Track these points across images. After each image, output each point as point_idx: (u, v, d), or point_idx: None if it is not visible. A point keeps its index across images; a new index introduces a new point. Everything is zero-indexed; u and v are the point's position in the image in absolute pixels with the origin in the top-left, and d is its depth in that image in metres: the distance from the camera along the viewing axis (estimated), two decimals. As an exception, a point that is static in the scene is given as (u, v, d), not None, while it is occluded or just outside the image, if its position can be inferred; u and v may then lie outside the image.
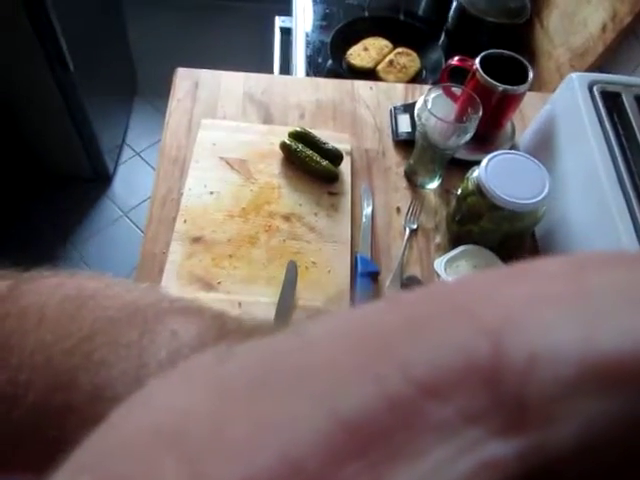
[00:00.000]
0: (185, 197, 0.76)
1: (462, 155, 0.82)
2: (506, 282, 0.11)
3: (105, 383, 0.20)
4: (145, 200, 1.74)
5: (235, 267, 0.70)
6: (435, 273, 0.71)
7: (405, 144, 0.86)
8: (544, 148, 0.78)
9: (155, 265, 0.71)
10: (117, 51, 1.84)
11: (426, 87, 0.91)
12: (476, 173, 0.69)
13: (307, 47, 1.16)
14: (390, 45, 1.15)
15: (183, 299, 0.26)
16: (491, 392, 0.09)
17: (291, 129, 0.82)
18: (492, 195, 0.66)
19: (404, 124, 0.88)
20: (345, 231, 0.75)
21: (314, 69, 1.12)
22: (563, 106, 0.75)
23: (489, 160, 0.68)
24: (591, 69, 0.98)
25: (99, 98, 1.63)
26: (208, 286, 0.68)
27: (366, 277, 0.71)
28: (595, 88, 0.70)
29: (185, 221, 0.74)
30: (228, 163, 0.80)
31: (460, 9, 1.17)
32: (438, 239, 0.78)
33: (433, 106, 0.72)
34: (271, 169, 0.80)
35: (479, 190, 0.68)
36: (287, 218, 0.76)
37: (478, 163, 0.69)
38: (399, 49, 1.14)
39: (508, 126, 0.88)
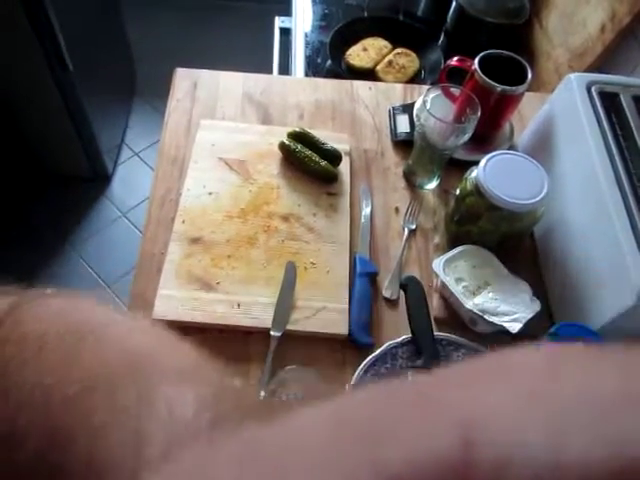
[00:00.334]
0: (184, 197, 0.76)
1: (461, 155, 0.82)
2: (481, 379, 0.11)
3: (101, 458, 0.19)
4: (144, 200, 1.74)
5: (234, 267, 0.70)
6: (434, 273, 0.71)
7: (404, 144, 0.86)
8: (542, 148, 0.78)
9: (153, 265, 0.71)
10: (116, 51, 1.84)
11: (425, 87, 0.91)
12: (475, 173, 0.69)
13: (306, 47, 1.16)
14: (389, 45, 1.15)
15: (182, 347, 0.25)
16: None
17: (290, 129, 0.82)
18: (491, 195, 0.66)
19: (403, 124, 0.88)
20: (344, 231, 0.75)
21: (313, 69, 1.12)
22: (561, 106, 0.75)
23: (488, 160, 0.68)
24: (590, 69, 0.98)
25: (98, 98, 1.63)
26: (207, 286, 0.68)
27: (365, 277, 0.71)
28: (593, 88, 0.71)
29: (184, 221, 0.74)
30: (227, 163, 0.80)
31: (459, 9, 1.17)
32: (437, 239, 0.78)
33: (432, 106, 0.72)
34: (270, 169, 0.80)
35: (478, 190, 0.68)
36: (286, 218, 0.76)
37: (477, 163, 0.69)
38: (398, 49, 1.14)
39: (507, 126, 0.88)
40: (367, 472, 0.09)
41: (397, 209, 0.80)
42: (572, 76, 0.73)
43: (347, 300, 0.69)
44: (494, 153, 0.69)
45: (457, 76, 0.84)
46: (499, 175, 0.67)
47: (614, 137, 0.66)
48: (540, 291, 0.71)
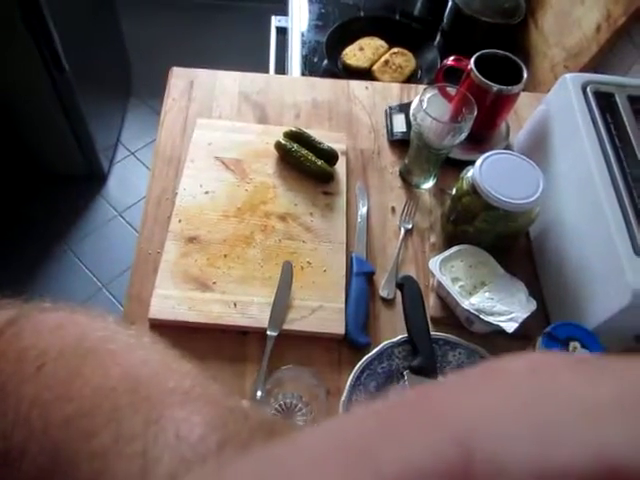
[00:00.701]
0: (180, 197, 0.76)
1: (457, 155, 0.82)
2: (476, 386, 0.12)
3: None
4: (140, 200, 1.73)
5: (230, 267, 0.70)
6: (430, 273, 0.71)
7: (400, 144, 0.86)
8: (538, 148, 0.78)
9: (149, 265, 0.71)
10: (112, 50, 1.83)
11: (421, 87, 0.91)
12: (471, 173, 0.69)
13: (303, 47, 1.16)
14: (385, 45, 1.15)
15: (185, 366, 0.24)
16: None
17: (286, 129, 0.82)
18: (487, 195, 0.66)
19: (399, 124, 0.88)
20: (340, 231, 0.75)
21: (310, 69, 1.12)
22: (557, 106, 0.75)
23: (484, 160, 0.68)
24: (585, 69, 0.98)
25: (94, 97, 1.62)
26: (203, 286, 0.68)
27: (361, 277, 0.71)
28: (589, 88, 0.71)
29: (180, 221, 0.74)
30: (223, 163, 0.80)
31: (455, 9, 1.18)
32: (433, 239, 0.78)
33: (428, 106, 0.72)
34: (266, 169, 0.80)
35: (474, 190, 0.68)
36: (282, 218, 0.76)
37: (473, 163, 0.69)
38: (395, 49, 1.14)
39: (502, 126, 0.88)
40: None
41: (393, 209, 0.80)
42: (567, 76, 0.73)
43: (343, 300, 0.69)
44: (490, 153, 0.69)
45: (453, 76, 0.84)
46: (495, 175, 0.67)
47: (609, 137, 0.66)
48: (536, 291, 0.71)
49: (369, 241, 0.76)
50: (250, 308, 0.67)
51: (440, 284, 0.68)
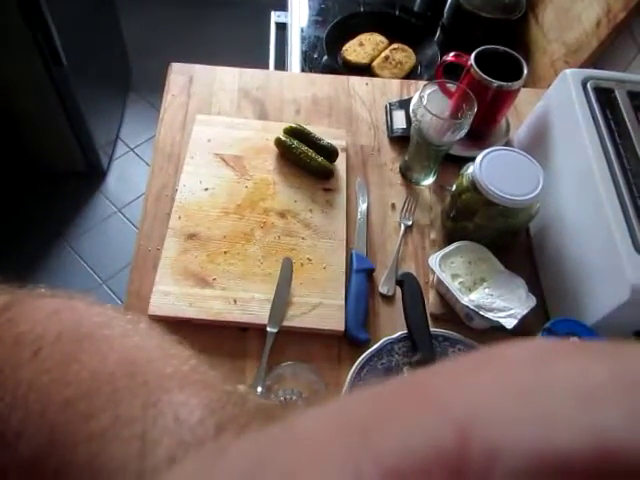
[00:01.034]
0: (180, 193, 0.76)
1: (457, 151, 0.82)
2: (474, 371, 0.12)
3: (104, 463, 0.19)
4: (139, 196, 1.73)
5: (230, 264, 0.70)
6: (430, 269, 0.71)
7: (400, 140, 0.86)
8: (538, 144, 0.78)
9: (149, 261, 0.71)
10: (111, 46, 1.83)
11: (421, 83, 0.90)
12: (471, 169, 0.69)
13: (302, 42, 1.16)
14: (385, 41, 1.15)
15: (182, 351, 0.24)
16: None
17: (286, 125, 0.82)
18: (487, 191, 0.66)
19: (399, 120, 0.88)
20: (340, 227, 0.75)
21: (309, 64, 1.12)
22: (557, 102, 0.75)
23: (484, 156, 0.68)
24: (585, 65, 0.98)
25: (93, 93, 1.62)
26: (203, 282, 0.68)
27: (361, 273, 0.71)
28: (589, 84, 0.71)
29: (180, 217, 0.74)
30: (223, 159, 0.80)
31: (455, 5, 1.17)
32: (433, 235, 0.78)
33: (428, 102, 0.72)
34: (266, 165, 0.80)
35: (474, 186, 0.68)
36: (282, 214, 0.76)
37: (473, 159, 0.69)
38: (395, 45, 1.14)
39: (503, 122, 0.88)
40: (369, 465, 0.10)
41: (393, 205, 0.80)
42: (568, 72, 0.73)
43: (343, 296, 0.69)
44: (490, 149, 0.69)
45: (453, 72, 0.84)
46: (495, 171, 0.67)
47: (609, 133, 0.66)
48: (535, 287, 0.71)
49: (369, 238, 0.76)
50: (250, 304, 0.67)
51: (440, 280, 0.68)
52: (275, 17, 1.33)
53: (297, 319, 0.67)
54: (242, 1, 2.22)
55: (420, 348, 0.63)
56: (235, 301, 0.67)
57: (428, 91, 0.74)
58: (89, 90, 1.57)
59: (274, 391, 0.61)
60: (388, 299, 0.71)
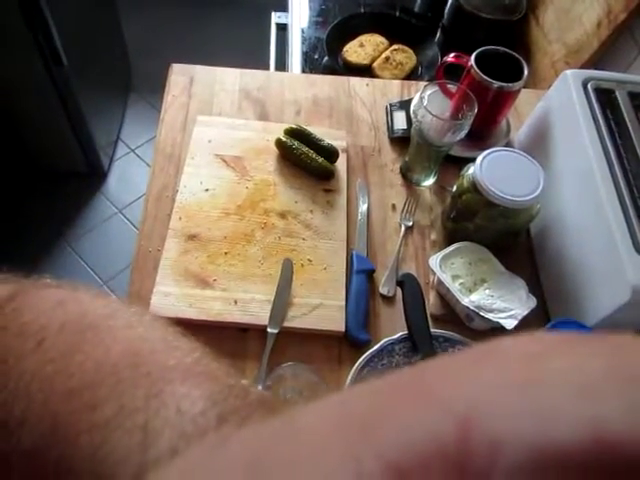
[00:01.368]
0: (180, 194, 0.76)
1: (457, 152, 0.82)
2: (473, 366, 0.12)
3: (106, 453, 0.19)
4: (140, 197, 1.73)
5: (231, 264, 0.70)
6: (430, 270, 0.71)
7: (401, 141, 0.86)
8: (539, 145, 0.78)
9: (150, 262, 0.71)
10: (112, 46, 1.83)
11: (422, 84, 0.90)
12: (471, 170, 0.69)
13: (303, 43, 1.16)
14: (386, 41, 1.15)
15: (186, 343, 0.24)
16: (458, 476, 0.09)
17: (287, 126, 0.82)
18: (487, 192, 0.66)
19: (400, 121, 0.88)
20: (341, 228, 0.75)
21: (310, 65, 1.12)
22: (558, 103, 0.75)
23: (484, 157, 0.68)
24: (586, 66, 0.98)
25: (93, 94, 1.62)
26: (204, 283, 0.68)
27: (362, 274, 0.71)
28: (589, 85, 0.71)
29: (180, 218, 0.74)
30: (224, 160, 0.80)
31: (456, 6, 1.17)
32: (433, 236, 0.78)
33: (429, 103, 0.72)
34: (267, 166, 0.80)
35: (474, 187, 0.68)
36: (283, 215, 0.76)
37: (473, 160, 0.69)
38: (395, 46, 1.14)
39: (503, 123, 0.88)
40: (370, 459, 0.10)
41: (394, 206, 0.80)
42: (568, 72, 0.73)
43: (344, 297, 0.69)
44: (491, 150, 0.69)
45: (454, 72, 0.84)
46: (496, 172, 0.67)
47: (610, 133, 0.66)
48: (536, 288, 0.71)
49: (369, 238, 0.76)
50: (250, 305, 0.67)
51: (440, 281, 0.68)
52: (276, 18, 1.33)
53: (297, 320, 0.67)
54: (243, 2, 2.22)
55: (421, 349, 0.63)
56: (235, 302, 0.67)
57: (429, 92, 0.74)
58: (90, 90, 1.57)
59: (274, 392, 0.61)
60: (389, 300, 0.71)
